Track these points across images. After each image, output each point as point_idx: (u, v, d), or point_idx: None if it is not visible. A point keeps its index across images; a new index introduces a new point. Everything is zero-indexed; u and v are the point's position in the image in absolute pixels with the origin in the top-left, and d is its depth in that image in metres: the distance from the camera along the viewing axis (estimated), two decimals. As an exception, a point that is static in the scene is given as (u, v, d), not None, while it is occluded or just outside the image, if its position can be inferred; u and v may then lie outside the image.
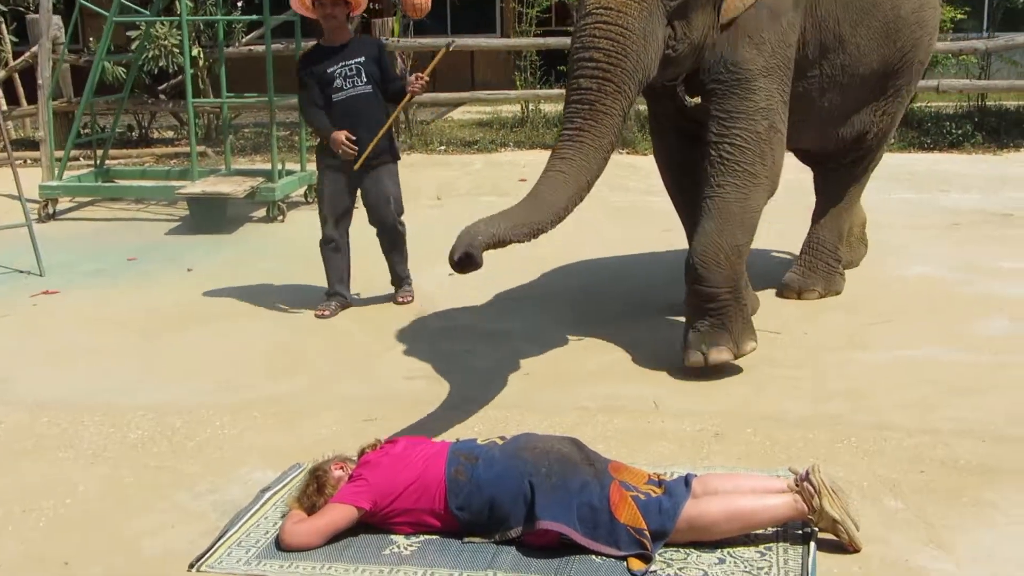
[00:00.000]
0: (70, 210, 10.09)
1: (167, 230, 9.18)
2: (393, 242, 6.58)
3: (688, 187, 5.47)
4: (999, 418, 4.45)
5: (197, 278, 7.50)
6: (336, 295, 6.55)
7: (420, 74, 6.18)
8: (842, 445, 4.23)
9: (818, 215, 6.38)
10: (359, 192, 6.45)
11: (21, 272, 7.71)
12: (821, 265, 6.33)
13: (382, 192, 6.38)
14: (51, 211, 9.69)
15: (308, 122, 6.46)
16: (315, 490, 3.71)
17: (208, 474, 4.23)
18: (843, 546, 3.38)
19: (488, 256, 8.09)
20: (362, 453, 3.84)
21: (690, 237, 5.68)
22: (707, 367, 4.93)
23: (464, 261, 4.11)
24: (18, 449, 4.51)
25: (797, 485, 3.44)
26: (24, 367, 5.63)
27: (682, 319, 5.27)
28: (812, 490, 3.39)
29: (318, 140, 6.45)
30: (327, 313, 6.41)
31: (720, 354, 4.91)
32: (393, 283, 6.71)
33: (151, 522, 3.83)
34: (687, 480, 3.58)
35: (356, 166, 6.13)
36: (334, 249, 6.52)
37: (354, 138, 6.11)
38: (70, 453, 4.48)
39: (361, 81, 6.22)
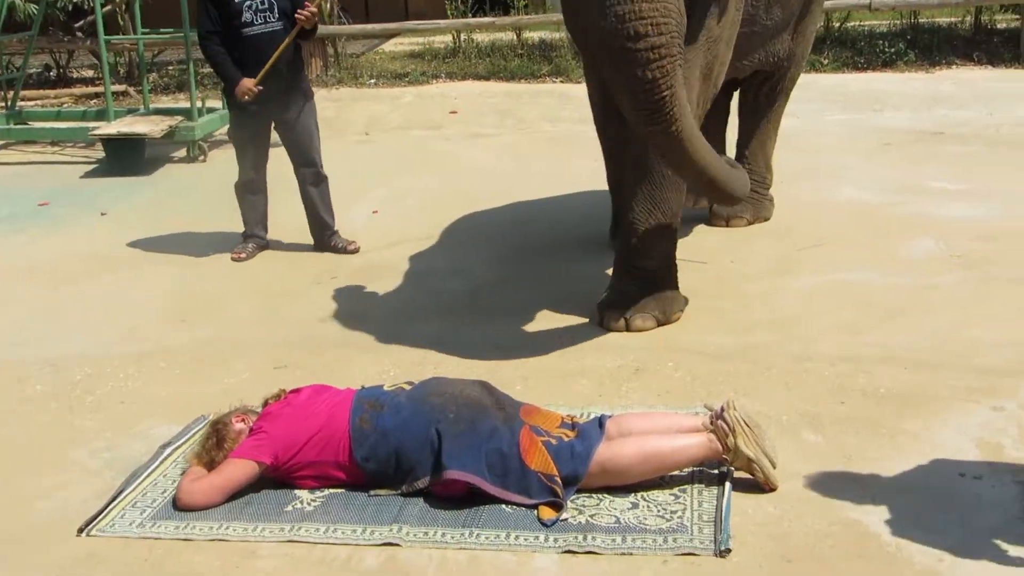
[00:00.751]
0: (-19, 155, 9.71)
1: (82, 173, 8.85)
2: (318, 183, 6.25)
3: (616, 133, 5.22)
4: (923, 343, 4.36)
5: (111, 222, 7.24)
6: (253, 237, 6.33)
7: (308, 3, 5.86)
8: (763, 377, 4.12)
9: (743, 142, 6.23)
10: (278, 135, 6.18)
11: (-74, 221, 7.39)
12: (750, 193, 6.19)
13: (303, 129, 6.11)
14: (-39, 156, 9.31)
15: (212, 64, 6.01)
16: (214, 444, 3.54)
17: (107, 430, 4.04)
18: (759, 485, 3.28)
19: (417, 189, 7.85)
20: (265, 404, 3.67)
21: (613, 182, 5.48)
22: (628, 331, 4.70)
23: None
24: (-93, 411, 4.30)
25: (712, 423, 3.33)
26: (-79, 322, 5.38)
27: (607, 252, 5.11)
28: (726, 428, 3.27)
29: (224, 82, 6.13)
30: (243, 256, 6.19)
31: (645, 322, 4.67)
32: (316, 234, 6.33)
33: (44, 484, 3.63)
34: (601, 421, 3.45)
35: (256, 81, 5.80)
36: (252, 191, 6.29)
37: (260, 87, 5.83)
38: (-37, 414, 4.27)
39: (273, 17, 5.85)
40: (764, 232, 6.10)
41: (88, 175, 8.78)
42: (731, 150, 6.36)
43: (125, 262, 6.23)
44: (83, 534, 3.29)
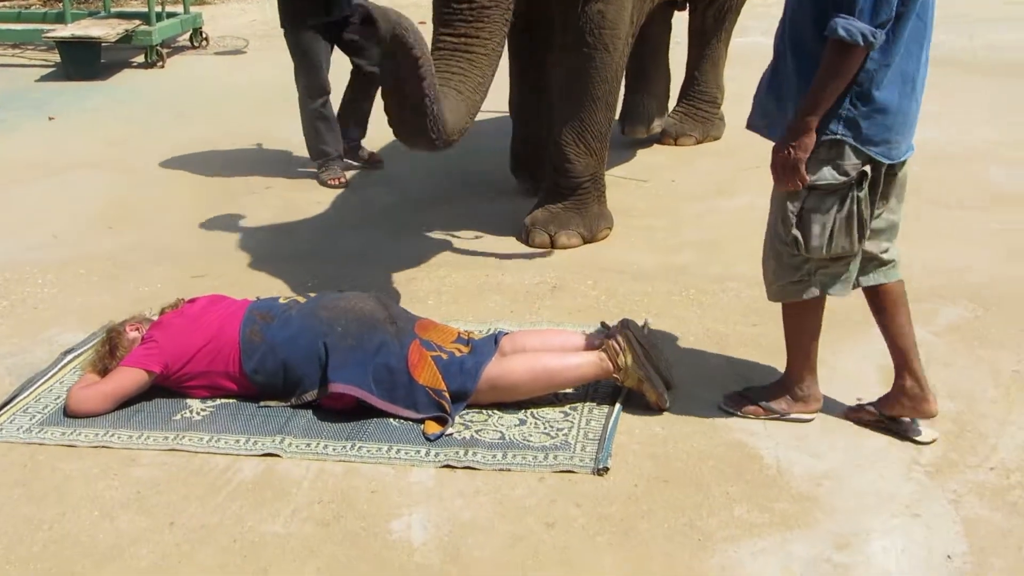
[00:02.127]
0: (-60, 56, 9.52)
1: (38, 77, 8.68)
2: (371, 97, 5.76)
3: (531, 55, 5.01)
4: (848, 267, 4.28)
5: (58, 127, 7.10)
6: (339, 158, 5.75)
7: None
8: (679, 298, 4.06)
9: (694, 63, 6.08)
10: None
11: None
12: (699, 112, 6.09)
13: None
14: (-84, 57, 9.12)
15: None
16: (107, 352, 3.49)
17: (14, 335, 3.98)
18: (651, 406, 3.23)
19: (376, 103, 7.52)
20: (162, 313, 3.62)
21: (518, 106, 5.30)
22: (553, 248, 4.62)
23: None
24: None
25: (605, 342, 3.27)
26: None
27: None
28: (618, 347, 3.21)
29: None
30: (343, 180, 5.66)
31: (570, 239, 4.59)
32: (355, 148, 5.91)
33: (-60, 388, 3.59)
34: (496, 338, 3.40)
35: None
36: (328, 107, 5.70)
37: None
38: None
39: None
40: (711, 152, 5.99)
41: (43, 79, 8.61)
42: (679, 71, 6.22)
43: (62, 168, 6.11)
44: (-31, 439, 3.26)
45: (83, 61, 8.51)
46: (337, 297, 3.49)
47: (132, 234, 5.03)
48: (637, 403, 3.26)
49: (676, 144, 6.08)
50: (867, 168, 2.84)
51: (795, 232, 2.92)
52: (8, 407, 3.41)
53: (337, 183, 5.62)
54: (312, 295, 3.60)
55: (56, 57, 9.15)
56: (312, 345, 3.27)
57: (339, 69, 5.73)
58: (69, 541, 2.75)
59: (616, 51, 4.42)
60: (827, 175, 2.84)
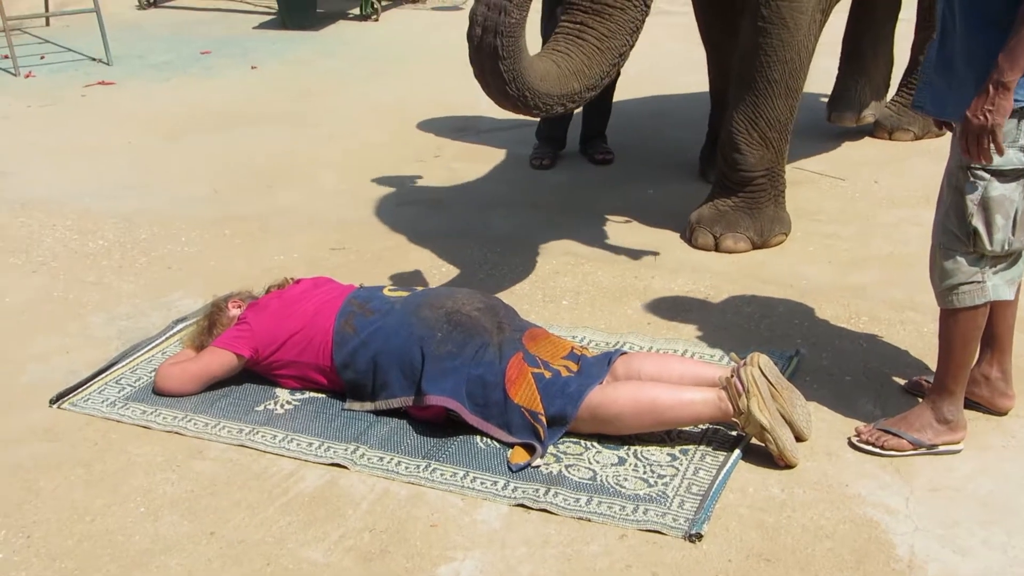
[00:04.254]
0: (176, -3, 9.80)
1: (256, 24, 8.77)
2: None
3: (720, 37, 4.59)
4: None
5: (259, 76, 7.11)
6: (558, 141, 5.30)
7: None
8: (847, 325, 3.49)
9: (920, 45, 5.33)
10: None
11: (92, 60, 7.50)
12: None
13: None
14: (151, -2, 9.41)
15: None
16: (206, 328, 3.32)
17: (138, 296, 3.89)
18: (775, 459, 2.74)
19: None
20: (267, 291, 3.40)
21: (714, 91, 4.85)
22: (717, 251, 4.13)
23: None
24: (-30, 252, 4.29)
25: (728, 378, 2.79)
26: (34, 162, 5.40)
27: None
28: (740, 387, 2.73)
29: None
30: (546, 163, 5.24)
31: (736, 243, 4.09)
32: (590, 140, 5.36)
33: (48, 345, 3.52)
34: (611, 359, 2.98)
35: None
36: None
37: None
38: (20, 259, 4.23)
39: None
40: (928, 151, 5.24)
41: (260, 26, 8.70)
42: (902, 56, 5.51)
43: (245, 119, 6.07)
44: (54, 406, 3.14)
45: (299, 9, 8.55)
46: (443, 296, 3.14)
47: (288, 195, 4.89)
48: (762, 453, 2.77)
49: (891, 139, 5.40)
50: None
51: (975, 224, 2.66)
52: (103, 375, 3.29)
53: (539, 164, 5.21)
54: (420, 289, 3.29)
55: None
56: (407, 346, 2.95)
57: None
58: (104, 540, 2.55)
59: (798, 28, 3.85)
60: (1013, 158, 2.60)
